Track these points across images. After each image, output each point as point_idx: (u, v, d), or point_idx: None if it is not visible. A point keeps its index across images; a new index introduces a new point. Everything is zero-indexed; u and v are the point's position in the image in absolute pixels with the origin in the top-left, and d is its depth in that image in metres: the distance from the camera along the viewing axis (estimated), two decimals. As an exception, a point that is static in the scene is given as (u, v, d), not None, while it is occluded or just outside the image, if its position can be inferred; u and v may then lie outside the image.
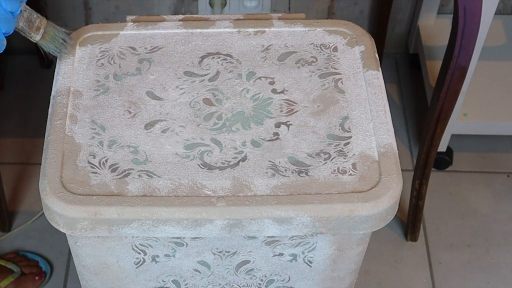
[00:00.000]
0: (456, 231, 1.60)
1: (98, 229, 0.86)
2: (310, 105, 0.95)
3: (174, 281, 0.99)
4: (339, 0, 1.74)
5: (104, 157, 0.89)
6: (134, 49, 1.01)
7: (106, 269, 0.96)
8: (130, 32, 1.02)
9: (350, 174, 0.88)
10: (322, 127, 0.92)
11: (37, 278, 1.47)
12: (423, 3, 1.69)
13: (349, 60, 0.99)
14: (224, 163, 0.89)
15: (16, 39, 1.88)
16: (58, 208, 0.85)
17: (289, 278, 1.00)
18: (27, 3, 0.90)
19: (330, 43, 1.02)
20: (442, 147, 1.64)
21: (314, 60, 1.00)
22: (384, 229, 0.93)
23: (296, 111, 0.94)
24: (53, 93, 0.96)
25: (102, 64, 0.99)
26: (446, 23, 1.70)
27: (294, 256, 0.95)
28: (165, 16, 1.05)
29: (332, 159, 0.89)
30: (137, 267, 0.96)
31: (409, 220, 1.55)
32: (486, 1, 1.20)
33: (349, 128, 0.92)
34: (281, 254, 0.95)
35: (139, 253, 0.94)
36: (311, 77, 0.98)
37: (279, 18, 1.04)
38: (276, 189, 0.86)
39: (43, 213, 0.91)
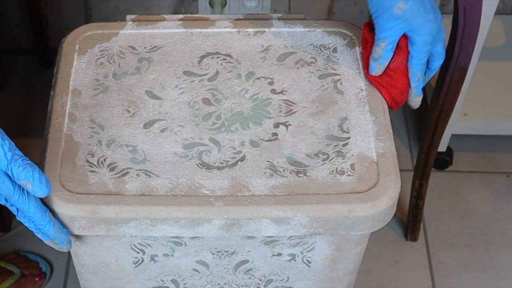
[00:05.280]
0: (456, 231, 1.60)
1: (96, 228, 0.86)
2: (309, 105, 0.95)
3: (173, 281, 0.99)
4: (339, 0, 1.74)
5: (103, 156, 0.89)
6: (133, 48, 1.01)
7: (105, 268, 0.96)
8: (130, 32, 1.02)
9: (349, 175, 0.88)
10: (321, 128, 0.92)
11: (37, 279, 1.47)
12: (423, 3, 1.69)
13: (348, 61, 0.99)
14: (222, 163, 0.89)
15: (16, 39, 1.88)
16: (56, 207, 0.85)
17: (288, 278, 1.00)
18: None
19: (330, 44, 1.01)
20: (442, 147, 1.64)
21: (314, 60, 1.00)
22: (384, 229, 0.94)
23: (295, 112, 0.94)
24: (52, 91, 0.96)
25: (102, 63, 0.99)
26: (446, 23, 1.70)
27: (293, 256, 0.95)
28: (165, 16, 1.05)
29: (330, 159, 0.89)
30: (135, 267, 0.96)
31: (409, 220, 1.55)
32: (486, 1, 1.20)
33: (347, 129, 0.92)
34: (279, 254, 0.95)
35: (138, 253, 0.94)
36: (311, 78, 0.98)
37: (279, 19, 1.04)
38: (274, 189, 0.86)
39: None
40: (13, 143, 0.79)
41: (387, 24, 0.91)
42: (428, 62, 0.96)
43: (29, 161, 0.79)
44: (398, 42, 0.93)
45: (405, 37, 0.93)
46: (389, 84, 0.95)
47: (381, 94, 0.96)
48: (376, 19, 0.92)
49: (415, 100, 0.98)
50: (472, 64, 1.41)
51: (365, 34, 0.97)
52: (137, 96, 0.95)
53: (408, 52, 0.93)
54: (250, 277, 0.99)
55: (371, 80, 0.96)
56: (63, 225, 0.86)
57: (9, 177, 0.79)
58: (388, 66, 0.94)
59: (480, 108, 1.62)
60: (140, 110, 0.94)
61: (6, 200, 0.80)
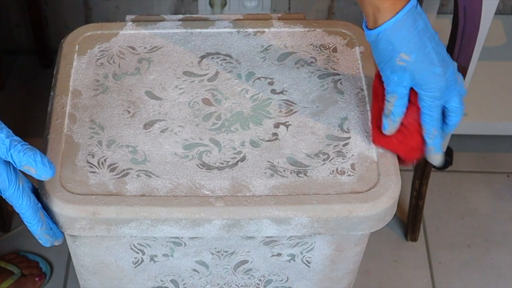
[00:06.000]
0: (456, 231, 1.60)
1: (97, 228, 0.86)
2: (309, 105, 0.95)
3: (173, 281, 0.99)
4: (339, 0, 1.74)
5: (103, 156, 0.89)
6: (133, 48, 1.00)
7: (104, 269, 0.96)
8: (129, 32, 1.02)
9: (349, 175, 0.88)
10: (321, 128, 0.92)
11: (37, 279, 1.47)
12: (423, 3, 1.69)
13: (348, 61, 0.99)
14: (222, 163, 0.89)
15: (16, 39, 1.88)
16: (57, 208, 0.85)
17: (288, 278, 1.00)
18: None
19: (330, 43, 1.01)
20: (442, 147, 1.64)
21: (314, 60, 0.99)
22: (384, 229, 0.94)
23: (295, 112, 0.94)
24: (52, 92, 0.96)
25: (102, 63, 0.99)
26: (446, 23, 1.70)
27: (293, 256, 0.95)
28: (164, 16, 1.04)
29: (331, 159, 0.89)
30: (135, 267, 0.96)
31: (409, 220, 1.55)
32: (486, 1, 1.20)
33: (348, 129, 0.92)
34: (279, 254, 0.95)
35: (138, 253, 0.94)
36: (311, 78, 0.98)
37: (279, 19, 1.04)
38: (274, 190, 0.86)
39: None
40: (10, 130, 0.78)
41: (392, 77, 0.85)
42: (445, 117, 0.88)
43: (29, 145, 0.77)
44: (409, 97, 0.86)
45: (415, 92, 0.86)
46: (400, 142, 0.88)
47: (393, 152, 0.90)
48: (382, 71, 0.86)
49: (435, 158, 0.90)
50: (472, 64, 1.41)
51: (376, 85, 0.90)
52: (137, 97, 0.95)
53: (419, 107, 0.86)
54: (250, 277, 0.99)
55: (378, 141, 0.89)
56: (61, 226, 0.86)
57: (7, 169, 0.78)
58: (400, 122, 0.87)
59: (480, 108, 1.62)
60: (140, 110, 0.94)
61: (1, 192, 0.80)
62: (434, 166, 0.81)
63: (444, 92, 0.84)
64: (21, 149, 0.77)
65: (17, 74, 1.84)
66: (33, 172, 0.77)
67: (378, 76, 0.89)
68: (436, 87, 0.84)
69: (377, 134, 0.90)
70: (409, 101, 0.86)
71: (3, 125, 0.77)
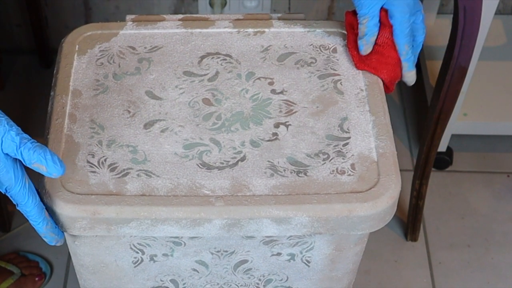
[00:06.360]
0: (456, 231, 1.60)
1: (97, 228, 0.86)
2: (309, 105, 0.95)
3: (172, 281, 0.99)
4: (339, 0, 1.74)
5: (103, 156, 0.89)
6: (133, 48, 1.01)
7: (104, 268, 0.96)
8: (129, 32, 1.02)
9: (349, 175, 0.88)
10: (321, 128, 0.92)
11: (37, 279, 1.47)
12: (423, 3, 1.70)
13: (348, 62, 0.99)
14: (223, 163, 0.89)
15: (16, 39, 1.88)
16: (57, 208, 0.85)
17: (287, 277, 1.00)
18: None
19: (330, 44, 1.02)
20: (442, 147, 1.64)
21: (314, 61, 1.00)
22: (384, 229, 0.94)
23: (295, 112, 0.94)
24: (52, 92, 0.96)
25: (102, 63, 0.99)
26: (446, 23, 1.71)
27: (292, 256, 0.95)
28: (164, 16, 1.04)
29: (331, 159, 0.89)
30: (135, 267, 0.96)
31: (409, 220, 1.55)
32: (486, 1, 1.20)
33: (348, 129, 0.92)
34: (279, 254, 0.95)
35: (137, 253, 0.94)
36: (310, 78, 0.98)
37: (279, 19, 1.04)
38: (274, 189, 0.86)
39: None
40: (19, 128, 0.78)
41: (364, 0, 0.94)
42: (413, 39, 0.98)
43: (39, 143, 0.77)
44: (381, 19, 0.96)
45: (386, 12, 0.95)
46: (379, 62, 0.97)
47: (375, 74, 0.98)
48: None
49: (409, 75, 0.99)
50: (472, 64, 1.41)
51: (350, 19, 0.99)
52: (137, 97, 0.95)
53: (391, 26, 0.96)
54: (250, 277, 0.99)
55: (360, 66, 0.97)
56: (62, 226, 0.86)
57: (14, 167, 0.78)
58: (375, 43, 0.97)
59: (480, 108, 1.62)
60: (140, 110, 0.94)
61: (7, 191, 0.80)
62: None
63: (412, 6, 0.95)
64: (31, 147, 0.77)
65: (17, 74, 1.84)
66: (43, 170, 0.77)
67: (351, 12, 0.99)
68: (405, 1, 0.95)
69: (358, 60, 0.98)
70: (381, 24, 0.96)
71: (12, 122, 0.78)
